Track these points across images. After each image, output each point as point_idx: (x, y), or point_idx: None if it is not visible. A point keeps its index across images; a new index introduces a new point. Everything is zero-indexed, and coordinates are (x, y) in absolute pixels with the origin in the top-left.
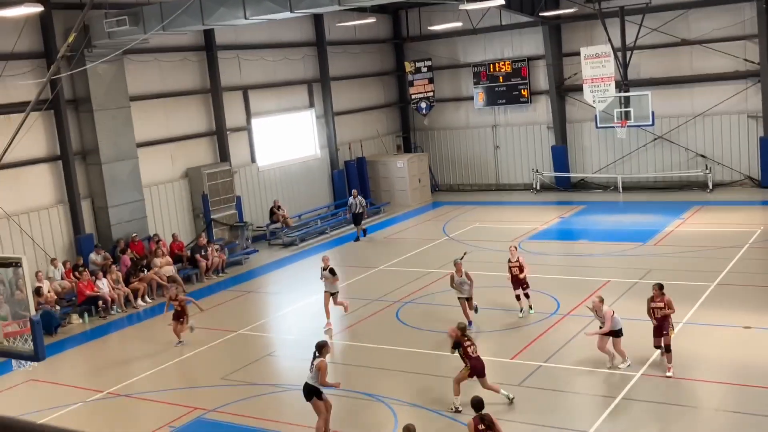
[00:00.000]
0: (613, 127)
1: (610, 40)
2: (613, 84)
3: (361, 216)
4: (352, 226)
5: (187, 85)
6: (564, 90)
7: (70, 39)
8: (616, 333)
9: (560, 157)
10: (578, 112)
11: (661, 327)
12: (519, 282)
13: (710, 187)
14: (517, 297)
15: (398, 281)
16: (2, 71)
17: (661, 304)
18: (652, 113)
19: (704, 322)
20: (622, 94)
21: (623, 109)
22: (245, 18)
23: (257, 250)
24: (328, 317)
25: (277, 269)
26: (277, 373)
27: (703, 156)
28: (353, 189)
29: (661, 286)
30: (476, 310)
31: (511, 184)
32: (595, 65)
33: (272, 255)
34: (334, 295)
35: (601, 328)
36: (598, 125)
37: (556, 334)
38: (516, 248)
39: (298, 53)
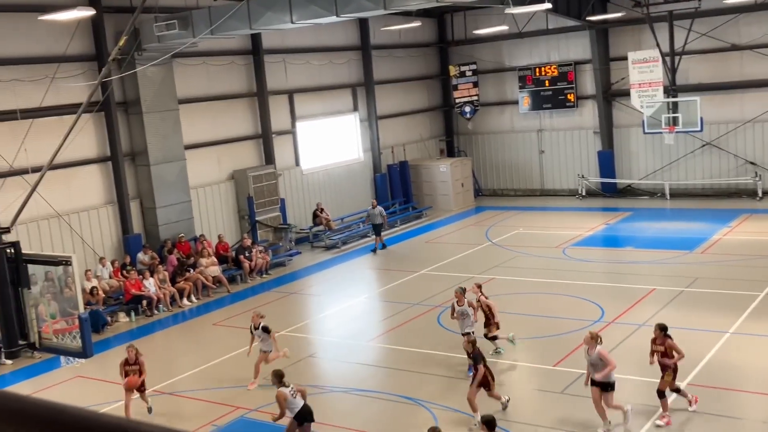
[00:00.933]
0: (661, 132)
1: (658, 44)
2: (661, 89)
3: (381, 227)
4: (392, 230)
5: (234, 88)
6: (611, 95)
7: (121, 42)
8: (605, 386)
9: (606, 162)
10: (625, 117)
11: (662, 369)
12: (487, 322)
13: (759, 194)
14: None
15: (440, 286)
16: (55, 73)
17: (662, 348)
18: (701, 119)
19: (752, 333)
20: (670, 99)
21: (671, 115)
22: (292, 22)
23: (300, 252)
24: (255, 376)
25: (320, 271)
26: (319, 375)
27: (752, 163)
28: (372, 199)
29: (662, 328)
30: (513, 341)
31: (555, 189)
32: (643, 70)
33: (315, 257)
34: (267, 353)
35: (594, 372)
36: (646, 131)
37: None
38: (477, 286)
39: (343, 57)
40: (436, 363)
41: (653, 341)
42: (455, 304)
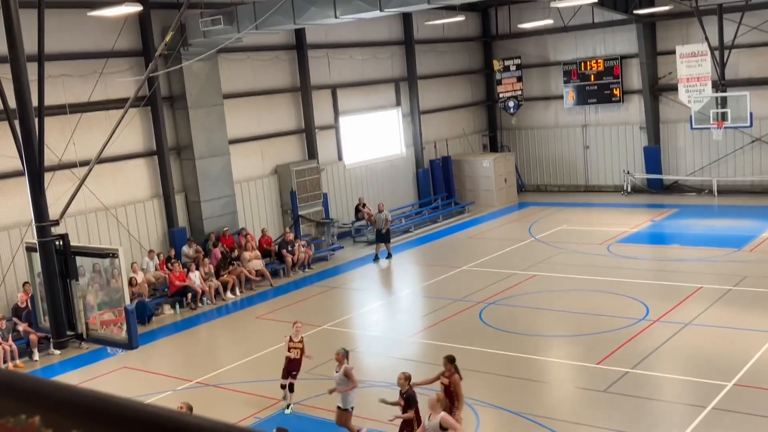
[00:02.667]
0: (709, 128)
1: (707, 38)
2: (709, 84)
3: (386, 233)
4: (435, 225)
5: (277, 83)
6: (658, 89)
7: (168, 38)
8: None
9: (653, 158)
10: (672, 113)
11: (450, 408)
12: (293, 367)
13: None
14: (283, 386)
15: (482, 282)
16: (103, 69)
17: (447, 381)
18: (750, 114)
19: None
20: (719, 94)
21: (720, 110)
22: (335, 17)
23: (342, 247)
24: None
25: (362, 266)
26: (360, 370)
27: None
28: (379, 203)
29: (451, 360)
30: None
31: (600, 185)
32: (691, 64)
33: (357, 252)
34: None
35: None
36: (693, 126)
37: (645, 340)
38: (302, 325)
39: (386, 52)
40: (478, 359)
41: (442, 373)
42: (336, 369)
